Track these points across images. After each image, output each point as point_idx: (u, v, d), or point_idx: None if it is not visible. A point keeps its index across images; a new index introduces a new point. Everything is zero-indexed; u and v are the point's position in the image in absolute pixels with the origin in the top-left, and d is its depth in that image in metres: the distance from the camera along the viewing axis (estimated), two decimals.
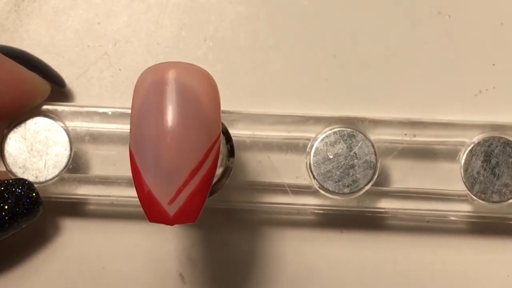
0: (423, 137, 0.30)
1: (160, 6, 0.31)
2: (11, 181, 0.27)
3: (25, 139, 0.28)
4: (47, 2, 0.31)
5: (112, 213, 0.30)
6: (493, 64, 0.31)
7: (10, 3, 0.31)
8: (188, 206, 0.23)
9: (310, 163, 0.29)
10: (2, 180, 0.27)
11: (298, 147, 0.30)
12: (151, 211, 0.23)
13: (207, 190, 0.24)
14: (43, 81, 0.29)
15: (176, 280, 0.30)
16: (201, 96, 0.23)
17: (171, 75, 0.23)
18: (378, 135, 0.29)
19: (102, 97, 0.31)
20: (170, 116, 0.23)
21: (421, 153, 0.30)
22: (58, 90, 0.30)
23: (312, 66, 0.31)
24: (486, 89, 0.31)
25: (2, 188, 0.27)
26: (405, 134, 0.30)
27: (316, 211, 0.30)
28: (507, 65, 0.31)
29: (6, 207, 0.27)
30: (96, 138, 0.30)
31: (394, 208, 0.30)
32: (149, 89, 0.23)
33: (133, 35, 0.31)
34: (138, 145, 0.23)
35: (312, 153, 0.29)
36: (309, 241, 0.30)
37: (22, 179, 0.28)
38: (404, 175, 0.30)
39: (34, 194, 0.27)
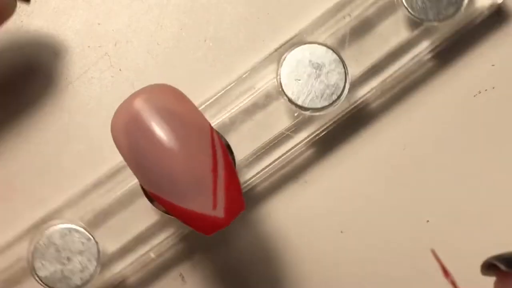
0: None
1: (160, 6, 0.31)
2: None
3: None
4: (48, 2, 0.31)
5: None
6: (493, 65, 0.31)
7: None
8: (230, 200, 0.23)
9: (283, 89, 0.29)
10: None
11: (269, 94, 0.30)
12: (203, 227, 0.23)
13: (235, 175, 0.24)
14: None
15: (176, 280, 0.30)
16: (170, 104, 0.23)
17: (135, 109, 0.23)
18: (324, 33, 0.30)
19: (103, 97, 0.31)
20: (160, 138, 0.23)
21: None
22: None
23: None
24: (486, 90, 0.31)
25: None
26: (344, 17, 0.30)
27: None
28: (507, 66, 0.31)
29: None
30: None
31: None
32: (126, 130, 0.23)
33: (133, 35, 0.31)
34: (155, 183, 0.23)
35: (281, 80, 0.29)
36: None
37: None
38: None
39: None
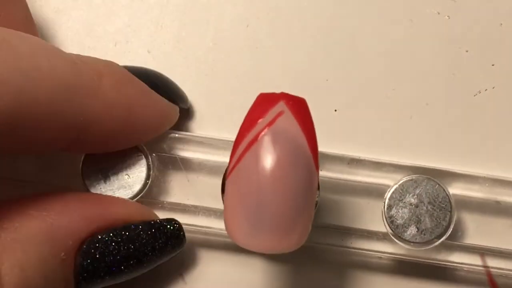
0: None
1: (160, 6, 0.31)
2: (163, 222, 0.28)
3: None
4: (48, 2, 0.31)
5: None
6: (493, 65, 0.31)
7: None
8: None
9: (385, 211, 0.28)
10: (155, 220, 0.28)
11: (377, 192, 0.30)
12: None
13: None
14: (175, 108, 0.29)
15: (176, 280, 0.30)
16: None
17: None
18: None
19: None
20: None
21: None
22: None
23: (312, 66, 0.31)
24: (486, 89, 0.31)
25: (155, 228, 0.27)
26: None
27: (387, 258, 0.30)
28: (507, 65, 0.31)
29: (157, 246, 0.27)
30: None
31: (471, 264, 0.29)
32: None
33: (133, 35, 0.31)
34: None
35: (386, 202, 0.28)
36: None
37: (173, 219, 0.28)
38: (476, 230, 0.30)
39: (182, 234, 0.28)
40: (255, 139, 0.23)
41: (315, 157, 0.24)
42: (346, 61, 0.31)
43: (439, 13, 0.31)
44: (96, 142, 0.26)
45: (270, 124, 0.23)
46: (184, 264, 0.30)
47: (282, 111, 0.24)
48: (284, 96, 0.24)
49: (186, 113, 0.30)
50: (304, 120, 0.24)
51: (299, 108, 0.24)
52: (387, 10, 0.31)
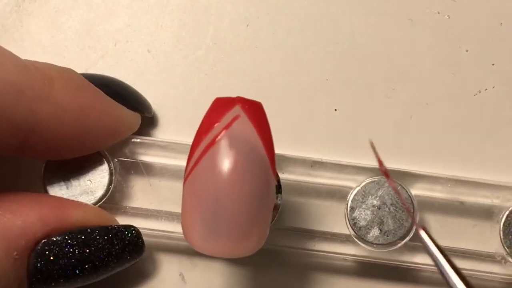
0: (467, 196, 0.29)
1: (160, 6, 0.31)
2: (121, 227, 0.27)
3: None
4: (48, 2, 0.31)
5: None
6: (493, 64, 0.31)
7: (11, 3, 0.31)
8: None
9: (347, 213, 0.28)
10: (112, 225, 0.27)
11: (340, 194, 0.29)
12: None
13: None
14: (136, 116, 0.29)
15: (177, 280, 0.30)
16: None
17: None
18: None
19: None
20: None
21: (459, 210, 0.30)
22: None
23: (312, 66, 0.31)
24: (486, 89, 0.31)
25: (112, 234, 0.27)
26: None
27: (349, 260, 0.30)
28: (507, 65, 0.31)
29: (113, 253, 0.27)
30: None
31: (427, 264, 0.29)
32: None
33: (133, 35, 0.31)
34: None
35: (349, 204, 0.28)
36: None
37: (132, 226, 0.28)
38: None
39: (140, 242, 0.28)
40: (212, 143, 0.23)
41: (272, 160, 0.24)
42: (346, 61, 0.31)
43: (439, 13, 0.31)
44: (51, 148, 0.26)
45: (226, 128, 0.24)
46: (184, 264, 0.30)
47: (238, 115, 0.24)
48: (240, 100, 0.24)
49: (150, 121, 0.30)
50: (260, 124, 0.24)
51: (255, 112, 0.24)
52: (387, 10, 0.31)
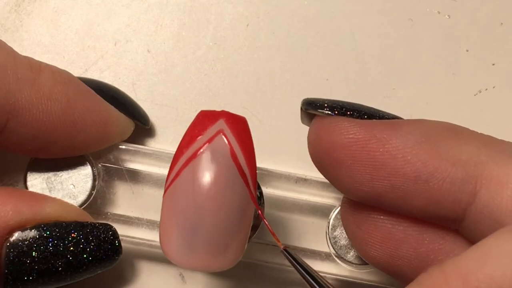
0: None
1: (160, 6, 0.31)
2: (97, 224, 0.27)
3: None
4: (48, 2, 0.31)
5: None
6: (493, 64, 0.31)
7: (11, 3, 0.31)
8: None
9: (329, 232, 0.28)
10: (88, 222, 0.27)
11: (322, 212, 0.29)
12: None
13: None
14: (129, 122, 0.29)
15: (176, 280, 0.30)
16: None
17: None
18: None
19: None
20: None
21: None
22: None
23: (312, 66, 0.31)
24: (486, 89, 0.31)
25: (88, 230, 0.27)
26: None
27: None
28: (507, 65, 0.31)
29: (88, 249, 0.26)
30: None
31: None
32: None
33: (133, 35, 0.31)
34: None
35: (331, 222, 0.28)
36: None
37: (108, 224, 0.27)
38: None
39: (117, 242, 0.27)
40: (193, 156, 0.23)
41: (253, 176, 0.24)
42: (346, 61, 0.31)
43: (439, 13, 0.31)
44: (36, 139, 0.26)
45: (209, 141, 0.24)
46: None
47: (221, 129, 0.24)
48: (224, 114, 0.24)
49: (147, 133, 0.30)
50: (243, 139, 0.24)
51: (238, 126, 0.24)
52: (387, 9, 0.31)
